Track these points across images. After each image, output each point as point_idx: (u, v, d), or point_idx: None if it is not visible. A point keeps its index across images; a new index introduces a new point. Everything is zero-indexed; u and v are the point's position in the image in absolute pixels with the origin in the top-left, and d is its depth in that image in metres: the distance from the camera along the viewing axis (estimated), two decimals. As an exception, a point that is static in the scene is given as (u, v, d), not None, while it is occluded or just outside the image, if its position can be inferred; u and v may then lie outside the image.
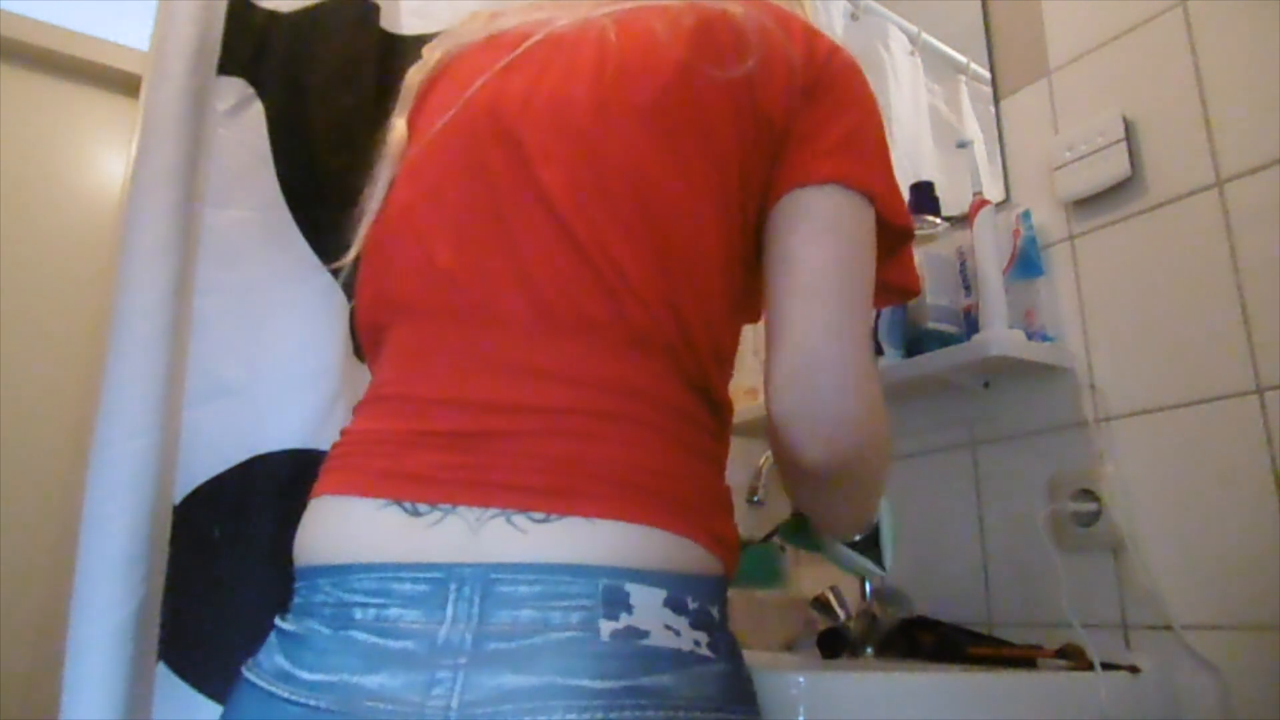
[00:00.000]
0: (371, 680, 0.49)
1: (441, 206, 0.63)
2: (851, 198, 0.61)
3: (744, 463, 1.34)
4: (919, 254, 1.05)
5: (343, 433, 0.62)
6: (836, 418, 0.59)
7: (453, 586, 0.51)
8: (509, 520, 0.52)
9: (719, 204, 0.61)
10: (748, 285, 0.67)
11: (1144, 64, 0.97)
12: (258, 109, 0.98)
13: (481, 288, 0.59)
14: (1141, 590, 0.89)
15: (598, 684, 0.48)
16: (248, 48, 0.99)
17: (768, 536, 0.97)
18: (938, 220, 1.09)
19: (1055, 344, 1.00)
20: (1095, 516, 0.93)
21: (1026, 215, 1.03)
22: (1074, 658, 0.82)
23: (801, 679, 0.63)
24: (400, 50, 1.15)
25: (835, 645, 1.03)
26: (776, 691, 0.63)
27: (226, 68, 0.98)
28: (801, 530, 0.83)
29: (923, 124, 1.27)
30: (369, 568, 0.53)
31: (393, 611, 0.51)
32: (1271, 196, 0.84)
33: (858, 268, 0.61)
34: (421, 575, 0.52)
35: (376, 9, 1.10)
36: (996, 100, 1.14)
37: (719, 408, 0.64)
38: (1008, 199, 1.10)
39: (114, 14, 1.98)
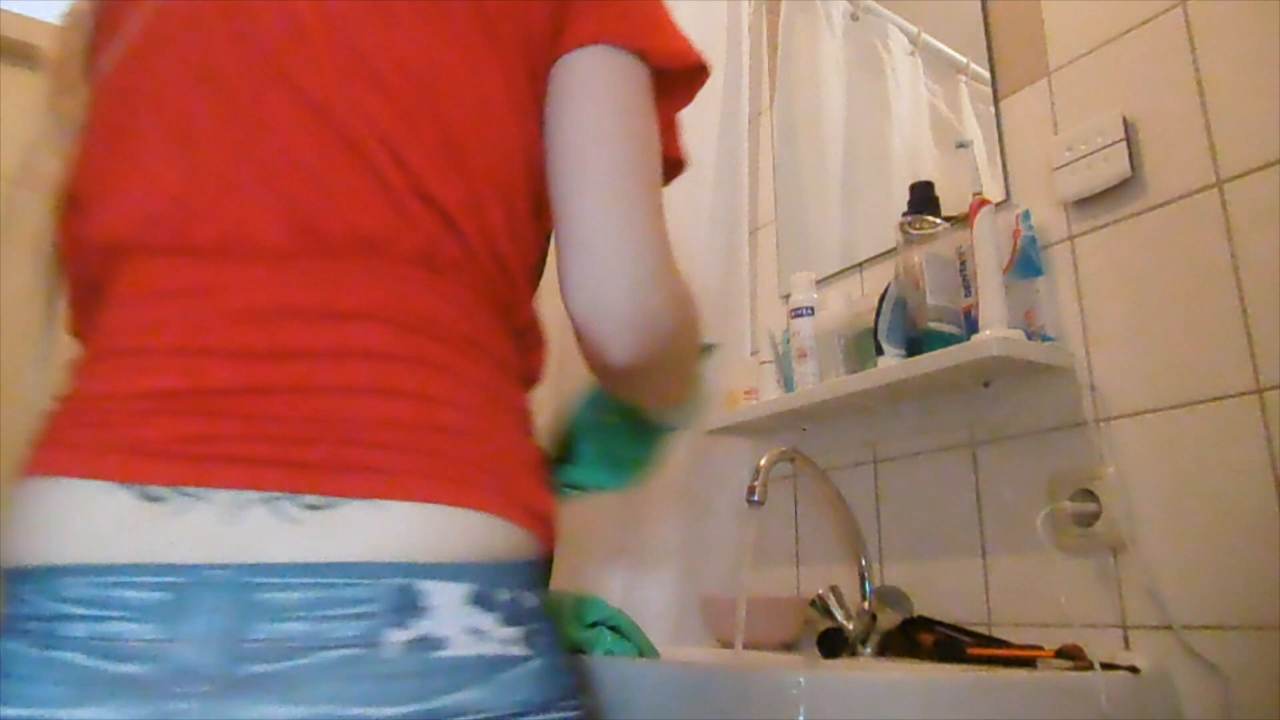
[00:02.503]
0: (83, 714, 0.39)
1: (159, 117, 0.51)
2: (622, 57, 0.55)
3: (744, 463, 1.35)
4: (919, 254, 1.06)
5: (57, 400, 0.50)
6: (638, 315, 0.52)
7: (198, 594, 0.41)
8: (274, 508, 0.42)
9: (508, 84, 0.53)
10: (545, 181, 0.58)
11: (1144, 64, 0.97)
12: None
13: (225, 210, 0.48)
14: (1141, 590, 0.89)
15: (383, 711, 0.40)
16: None
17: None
18: (938, 220, 1.09)
19: (1055, 344, 1.00)
20: (1095, 516, 0.93)
21: (1026, 215, 1.03)
22: (1074, 658, 0.82)
23: (801, 679, 0.63)
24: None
25: (835, 645, 1.03)
26: (776, 691, 0.63)
27: None
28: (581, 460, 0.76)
29: (923, 124, 1.27)
30: (85, 570, 0.42)
31: (115, 626, 0.40)
32: (1271, 196, 0.84)
33: (637, 142, 0.54)
34: (156, 579, 0.41)
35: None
36: (996, 100, 1.14)
37: (526, 336, 0.56)
38: (1008, 199, 1.10)
39: (114, 14, 1.98)
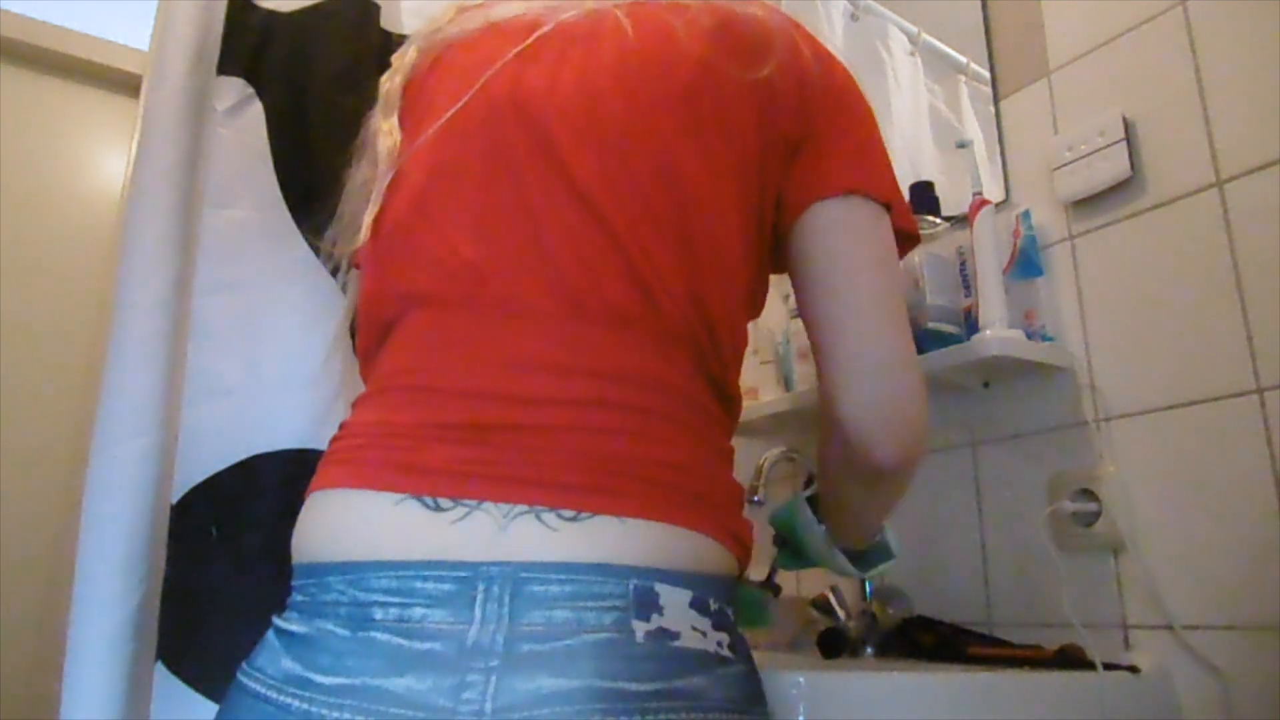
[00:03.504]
0: (396, 683, 0.47)
1: (461, 196, 0.61)
2: (874, 208, 0.63)
3: (744, 463, 1.34)
4: (919, 254, 1.06)
5: (343, 426, 0.59)
6: (909, 415, 0.62)
7: (480, 586, 0.49)
8: (538, 518, 0.50)
9: (741, 199, 0.61)
10: (760, 281, 0.68)
11: (1144, 64, 0.97)
12: (257, 109, 0.98)
13: (507, 279, 0.57)
14: (1141, 590, 0.89)
15: (634, 686, 0.47)
16: (247, 47, 0.99)
17: (769, 577, 0.99)
18: (938, 220, 1.09)
19: (1055, 344, 1.00)
20: (1095, 516, 0.93)
21: (1026, 215, 1.03)
22: (1074, 658, 0.82)
23: (801, 679, 0.63)
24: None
25: (835, 645, 1.03)
26: (776, 691, 0.63)
27: (226, 68, 0.98)
28: (799, 554, 0.87)
29: (923, 124, 1.27)
30: (389, 565, 0.50)
31: (416, 611, 0.49)
32: (1271, 196, 0.84)
33: (894, 272, 0.64)
34: (446, 574, 0.49)
35: (377, 8, 1.10)
36: (996, 100, 1.14)
37: (732, 403, 0.64)
38: (1008, 199, 1.10)
39: (114, 14, 1.98)
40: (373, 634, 0.49)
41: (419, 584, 0.49)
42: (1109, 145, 0.97)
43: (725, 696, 0.50)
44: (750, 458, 1.34)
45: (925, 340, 1.03)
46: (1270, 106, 0.85)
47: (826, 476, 0.74)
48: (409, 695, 0.46)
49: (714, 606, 0.53)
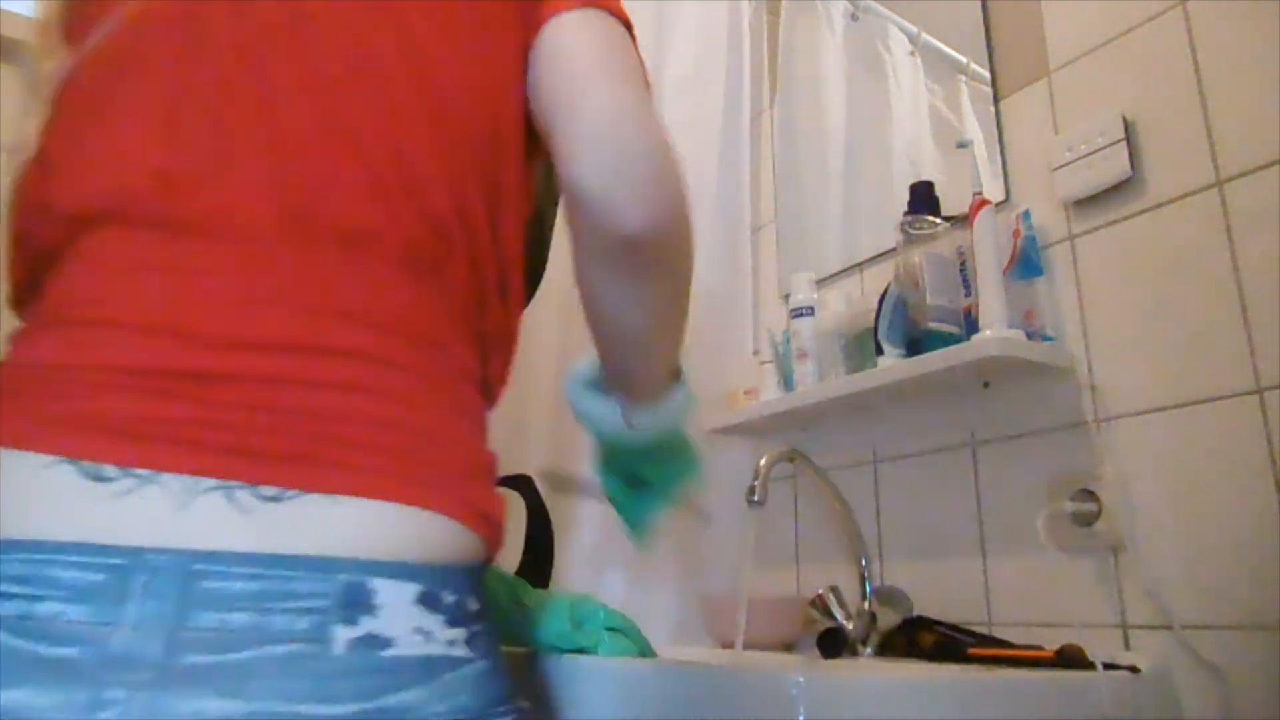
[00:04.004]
0: (5, 696, 0.36)
1: (146, 85, 0.49)
2: (602, 14, 0.57)
3: (744, 463, 1.35)
4: (919, 254, 1.06)
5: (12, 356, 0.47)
6: (658, 172, 0.52)
7: (139, 579, 0.39)
8: (229, 496, 0.41)
9: (505, 67, 0.54)
10: (528, 179, 0.59)
11: (1144, 64, 0.97)
12: None
13: (210, 189, 0.47)
14: (1141, 590, 0.89)
15: (324, 710, 0.39)
16: None
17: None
18: (938, 220, 1.09)
19: (1055, 344, 1.00)
20: (1095, 516, 0.93)
21: (1026, 215, 1.03)
22: (1074, 658, 0.82)
23: (801, 679, 0.63)
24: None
25: (835, 645, 1.03)
26: (776, 691, 0.63)
27: None
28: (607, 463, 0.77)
29: (923, 124, 1.27)
30: (18, 546, 0.39)
31: (48, 606, 0.38)
32: (1271, 196, 0.84)
33: (629, 54, 0.57)
34: (96, 560, 0.39)
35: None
36: (996, 100, 1.14)
37: (490, 340, 0.55)
38: (1008, 199, 1.10)
39: (114, 14, 1.98)
40: None
41: (57, 571, 0.39)
42: (1109, 145, 0.97)
43: (452, 706, 0.43)
44: (750, 458, 1.35)
45: (925, 340, 1.03)
46: (1270, 106, 0.85)
47: (588, 284, 0.60)
48: (19, 713, 0.36)
49: (449, 599, 0.45)
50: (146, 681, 0.37)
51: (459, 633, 0.45)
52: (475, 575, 0.49)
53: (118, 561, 0.39)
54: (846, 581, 1.11)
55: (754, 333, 1.45)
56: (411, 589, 0.44)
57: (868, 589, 1.09)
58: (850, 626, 1.04)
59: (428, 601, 0.44)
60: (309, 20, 0.50)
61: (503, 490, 1.14)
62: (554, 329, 1.25)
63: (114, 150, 0.48)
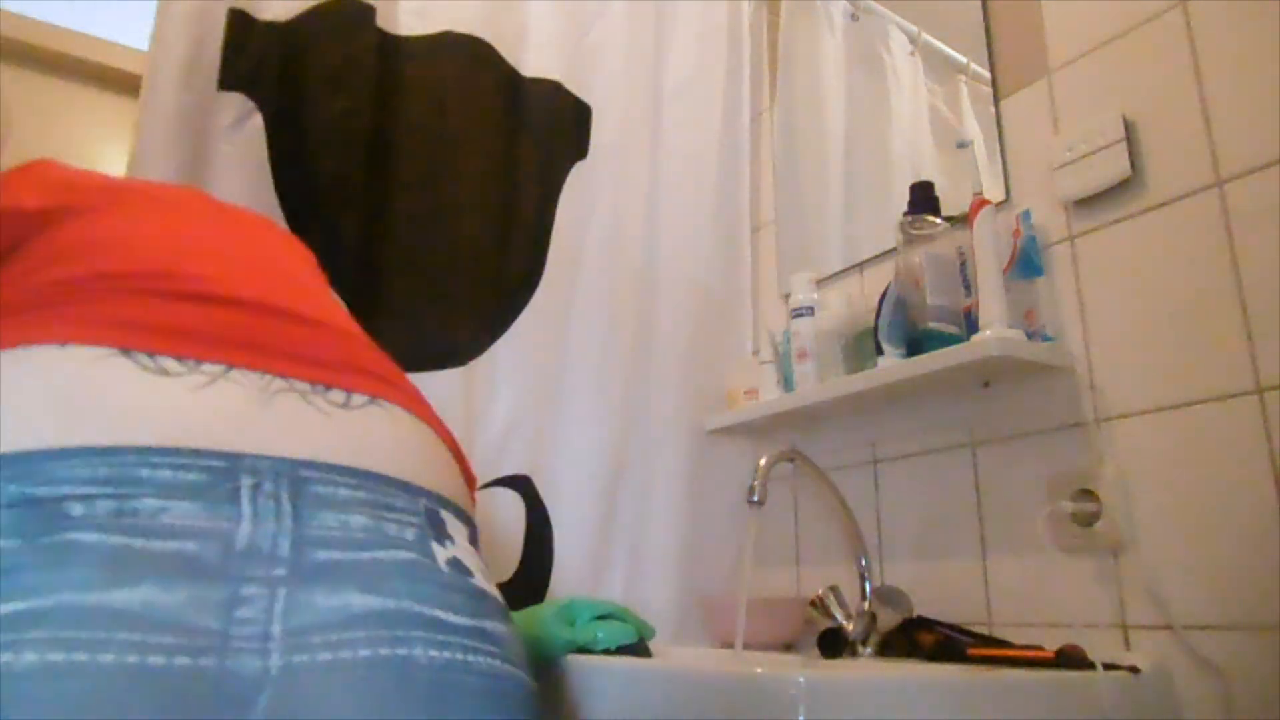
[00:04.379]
0: (122, 598, 0.31)
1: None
2: None
3: (744, 463, 1.35)
4: (919, 254, 1.06)
5: (22, 284, 0.43)
6: None
7: (245, 479, 0.36)
8: (305, 397, 0.40)
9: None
10: None
11: (1144, 64, 0.97)
12: (257, 123, 0.98)
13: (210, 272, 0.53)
14: (1141, 590, 0.89)
15: (453, 619, 0.40)
16: (247, 62, 0.99)
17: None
18: (938, 220, 1.09)
19: (1055, 344, 1.00)
20: (1095, 516, 0.93)
21: (1026, 215, 1.03)
22: (1074, 658, 0.82)
23: (801, 679, 0.63)
24: (399, 50, 1.15)
25: (835, 645, 1.03)
26: (776, 691, 0.63)
27: (226, 83, 0.98)
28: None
29: (923, 124, 1.27)
30: (87, 453, 0.34)
31: (148, 503, 0.34)
32: (1271, 196, 0.84)
33: None
34: (191, 461, 0.35)
35: (372, 10, 1.10)
36: (996, 100, 1.13)
37: None
38: (1008, 199, 1.10)
39: (114, 14, 1.98)
40: (70, 536, 0.32)
41: (145, 471, 0.34)
42: (1109, 145, 0.97)
43: (518, 654, 0.44)
44: (750, 458, 1.35)
45: (925, 340, 1.03)
46: (1270, 106, 0.85)
47: None
48: (147, 613, 0.31)
49: (478, 543, 0.47)
50: (283, 577, 0.35)
51: (490, 582, 0.47)
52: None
53: (216, 464, 0.36)
54: (846, 581, 1.11)
55: (754, 333, 1.44)
56: (464, 530, 0.46)
57: (868, 589, 1.09)
58: (850, 626, 1.04)
59: (474, 543, 0.47)
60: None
61: (505, 489, 1.14)
62: (552, 328, 1.25)
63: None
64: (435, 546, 0.41)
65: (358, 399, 0.41)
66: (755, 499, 1.03)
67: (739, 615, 1.01)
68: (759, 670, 0.68)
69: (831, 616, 1.07)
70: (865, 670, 0.96)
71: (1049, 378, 1.00)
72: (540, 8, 1.34)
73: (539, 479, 1.18)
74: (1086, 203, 1.00)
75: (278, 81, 1.00)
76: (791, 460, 1.11)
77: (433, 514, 0.42)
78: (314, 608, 0.35)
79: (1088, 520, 0.93)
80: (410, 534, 0.40)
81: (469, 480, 0.53)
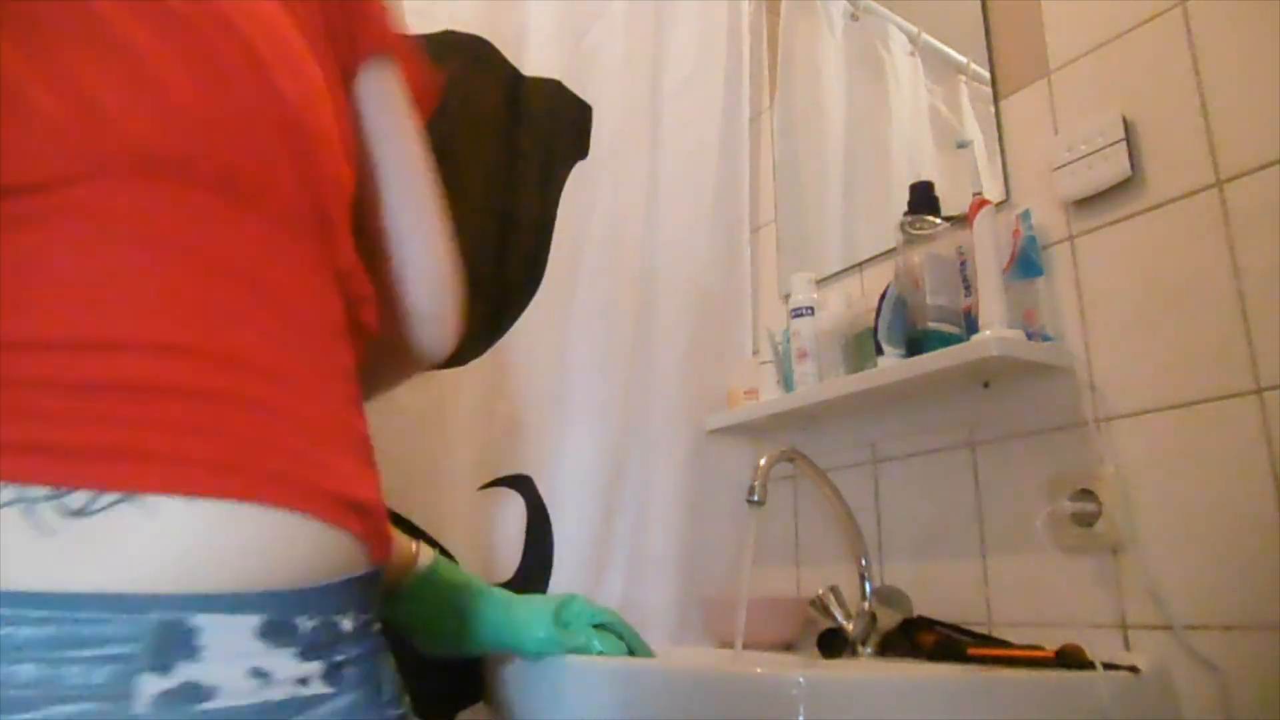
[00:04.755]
0: None
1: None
2: (395, 69, 0.61)
3: (744, 463, 1.35)
4: (919, 254, 1.06)
5: None
6: (459, 316, 0.65)
7: None
8: (28, 511, 0.34)
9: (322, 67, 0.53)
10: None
11: (1144, 64, 0.97)
12: None
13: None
14: (1141, 590, 0.89)
15: None
16: None
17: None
18: (938, 220, 1.09)
19: (1055, 344, 1.00)
20: (1095, 516, 0.93)
21: (1026, 215, 1.03)
22: (1074, 658, 0.82)
23: (801, 679, 0.63)
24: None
25: (835, 645, 1.03)
26: (776, 691, 0.63)
27: None
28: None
29: (923, 124, 1.27)
30: None
31: None
32: (1271, 196, 0.84)
33: (422, 146, 0.63)
34: None
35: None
36: (996, 100, 1.14)
37: (350, 283, 0.50)
38: (1008, 199, 1.10)
39: (114, 14, 1.97)
40: None
41: None
42: (1109, 145, 0.97)
43: None
44: (750, 458, 1.35)
45: (925, 340, 1.03)
46: (1270, 106, 0.85)
47: (378, 364, 0.59)
48: None
49: (308, 625, 0.38)
50: None
51: (315, 666, 0.38)
52: (351, 588, 0.42)
53: None
54: (846, 581, 1.11)
55: (754, 333, 1.45)
56: (250, 621, 0.36)
57: (868, 589, 1.09)
58: (850, 626, 1.04)
59: (273, 633, 0.37)
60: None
61: (505, 489, 1.15)
62: (552, 328, 1.25)
63: None
64: (143, 679, 0.33)
65: (105, 499, 0.34)
66: (755, 499, 1.03)
67: (739, 615, 1.01)
68: (759, 670, 0.68)
69: (831, 616, 1.07)
70: (865, 670, 0.96)
71: (1049, 378, 1.00)
72: (541, 7, 1.34)
73: (539, 479, 1.18)
74: (1086, 203, 1.00)
75: None
76: (791, 460, 1.11)
77: (169, 627, 0.34)
78: None
79: (1088, 520, 0.93)
80: (101, 674, 0.33)
81: (372, 538, 0.43)
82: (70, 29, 0.40)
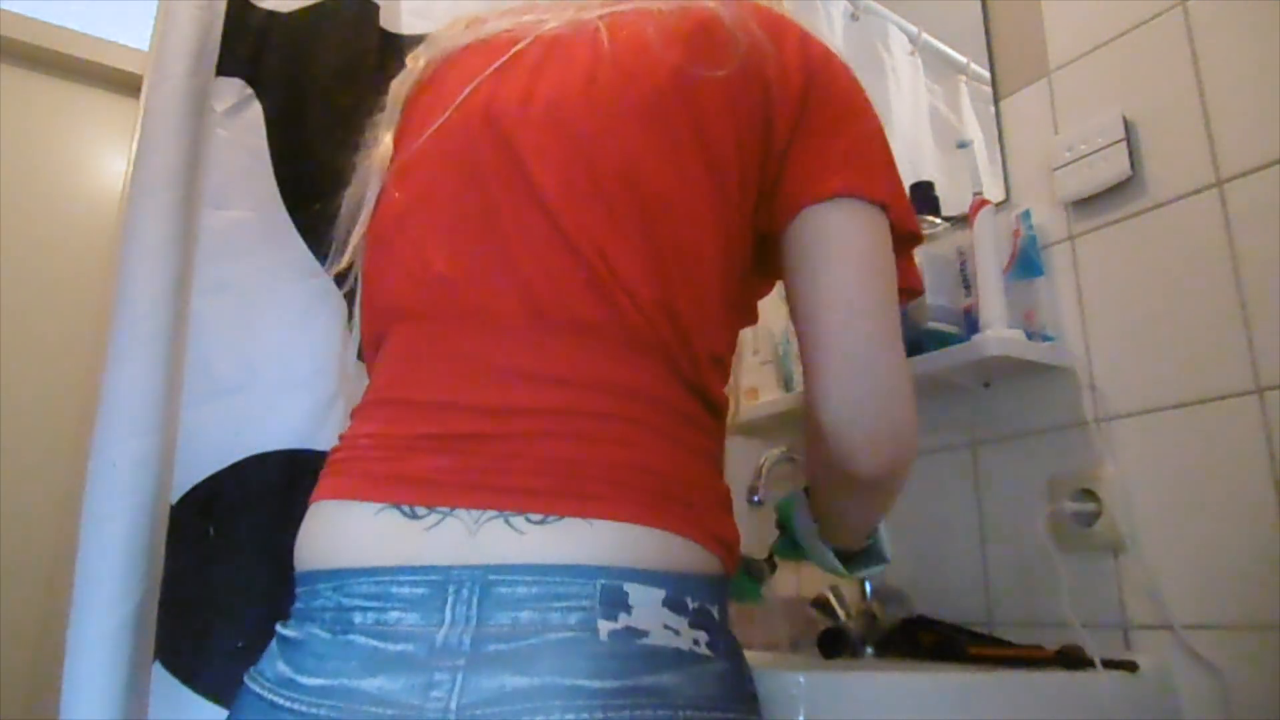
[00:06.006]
0: (371, 683, 0.49)
1: (435, 211, 0.63)
2: (868, 209, 0.61)
3: (744, 463, 1.34)
4: (919, 254, 1.05)
5: (341, 438, 0.62)
6: (893, 426, 0.60)
7: (451, 589, 0.51)
8: (507, 522, 0.52)
9: (716, 205, 0.61)
10: (745, 288, 0.67)
11: (1144, 64, 0.97)
12: (256, 109, 0.98)
13: (477, 291, 0.59)
14: (1141, 590, 0.89)
15: (596, 684, 0.47)
16: (247, 48, 0.99)
17: (769, 555, 0.95)
18: (938, 220, 1.09)
19: (1055, 344, 1.00)
20: (1095, 516, 0.93)
21: (1026, 215, 1.03)
22: (1074, 657, 0.82)
23: (801, 679, 0.63)
24: (400, 50, 1.15)
25: (835, 645, 1.03)
26: (776, 691, 0.63)
27: (226, 68, 0.97)
28: (796, 546, 0.84)
29: (923, 124, 1.27)
30: (367, 572, 0.53)
31: (392, 615, 0.51)
32: (1271, 196, 0.84)
33: (887, 277, 0.61)
34: (420, 578, 0.51)
35: (376, 8, 1.10)
36: (996, 100, 1.13)
37: (715, 408, 0.63)
38: (1008, 199, 1.10)
39: (114, 14, 1.98)
40: (351, 637, 0.51)
41: (395, 589, 0.51)
42: (1109, 145, 0.97)
43: (700, 694, 0.50)
44: (750, 458, 1.34)
45: (925, 340, 1.03)
46: (1270, 106, 0.85)
47: (815, 480, 0.75)
48: (381, 694, 0.48)
49: (692, 605, 0.53)
50: (462, 666, 0.48)
51: (702, 634, 0.52)
52: (715, 587, 0.56)
53: (434, 578, 0.51)
54: (846, 581, 1.11)
55: (754, 333, 1.44)
56: (659, 593, 0.51)
57: (868, 589, 1.09)
58: (850, 626, 1.04)
59: (673, 604, 0.52)
60: (547, 154, 0.61)
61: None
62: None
63: (413, 259, 0.62)
64: (601, 623, 0.49)
65: (551, 518, 0.52)
66: (755, 499, 1.03)
67: (737, 614, 1.01)
68: (759, 670, 0.68)
69: (832, 616, 1.07)
70: (865, 670, 0.96)
71: (1049, 378, 1.00)
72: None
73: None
74: (1086, 203, 1.00)
75: (278, 72, 1.00)
76: (791, 460, 1.11)
77: (610, 590, 0.50)
78: (480, 688, 0.47)
79: (1088, 520, 0.93)
80: (574, 618, 0.49)
81: (729, 559, 0.58)
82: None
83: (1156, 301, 0.92)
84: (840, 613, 1.06)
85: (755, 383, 1.31)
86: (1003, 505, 1.04)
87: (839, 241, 0.61)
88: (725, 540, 0.57)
